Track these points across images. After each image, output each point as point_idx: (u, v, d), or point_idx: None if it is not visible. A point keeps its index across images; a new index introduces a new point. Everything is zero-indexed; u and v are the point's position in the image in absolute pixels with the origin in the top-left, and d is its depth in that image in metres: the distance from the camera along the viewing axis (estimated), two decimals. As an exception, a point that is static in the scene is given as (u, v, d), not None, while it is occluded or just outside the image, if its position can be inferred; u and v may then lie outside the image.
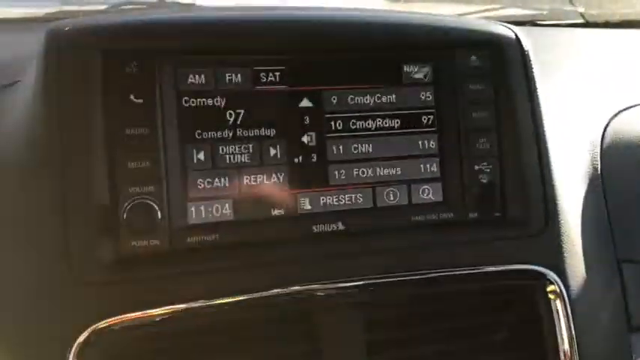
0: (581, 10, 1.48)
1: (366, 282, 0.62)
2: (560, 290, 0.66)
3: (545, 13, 1.49)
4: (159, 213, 0.58)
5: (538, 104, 0.68)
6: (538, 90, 0.69)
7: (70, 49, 0.57)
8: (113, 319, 0.56)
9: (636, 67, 1.05)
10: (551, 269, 0.67)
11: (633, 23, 1.39)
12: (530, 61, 0.69)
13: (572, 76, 0.95)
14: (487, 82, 0.67)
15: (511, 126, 0.67)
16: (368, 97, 0.65)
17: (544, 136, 0.68)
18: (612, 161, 0.80)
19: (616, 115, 0.87)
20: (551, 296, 0.66)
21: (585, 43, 1.27)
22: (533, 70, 0.69)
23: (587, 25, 1.41)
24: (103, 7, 1.48)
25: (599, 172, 0.79)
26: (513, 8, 1.61)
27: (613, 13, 1.45)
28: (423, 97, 0.67)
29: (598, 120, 0.85)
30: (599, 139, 0.83)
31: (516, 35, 0.69)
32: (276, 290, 0.59)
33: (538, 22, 1.43)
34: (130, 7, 1.50)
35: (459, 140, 0.67)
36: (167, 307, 0.57)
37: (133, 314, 0.56)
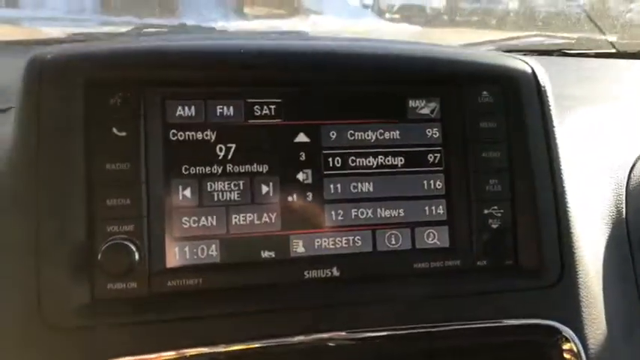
0: (612, 39, 1.42)
1: (362, 335, 0.57)
2: (578, 349, 0.60)
3: (573, 42, 1.44)
4: (136, 254, 0.54)
5: (555, 144, 0.63)
6: (556, 128, 0.64)
7: (51, 78, 0.54)
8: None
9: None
10: (567, 325, 0.61)
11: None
12: (547, 97, 0.64)
13: (601, 110, 0.90)
14: (499, 120, 0.62)
15: (525, 167, 0.62)
16: (369, 132, 0.61)
17: (561, 179, 0.62)
18: (639, 204, 0.74)
19: (645, 152, 0.80)
20: (567, 356, 0.60)
21: (616, 73, 1.22)
22: (551, 107, 0.64)
23: (618, 55, 1.35)
24: (124, 30, 1.48)
25: (623, 216, 0.73)
26: (541, 37, 1.57)
27: (646, 42, 1.40)
28: (429, 134, 0.62)
29: (625, 158, 0.79)
30: (625, 180, 0.76)
31: (532, 69, 0.64)
32: (261, 342, 0.55)
33: (566, 51, 1.38)
34: (152, 30, 1.50)
35: (467, 181, 0.62)
36: (143, 357, 0.53)
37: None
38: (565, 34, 1.54)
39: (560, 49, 1.38)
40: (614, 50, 1.38)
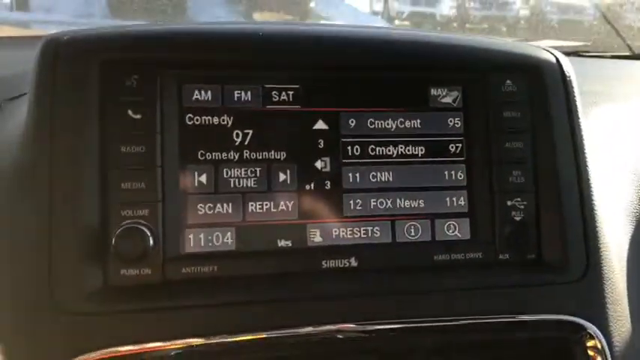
0: (628, 41, 1.41)
1: (379, 327, 0.55)
2: (602, 346, 0.58)
3: (589, 44, 1.43)
4: (151, 239, 0.52)
5: (580, 136, 0.61)
6: (580, 120, 0.62)
7: (66, 59, 0.53)
8: (96, 353, 0.51)
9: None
10: (591, 321, 0.59)
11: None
12: (572, 88, 0.62)
13: (619, 109, 0.88)
14: (523, 110, 0.61)
15: (549, 159, 0.60)
16: (390, 121, 0.60)
17: (586, 170, 0.61)
18: (662, 200, 0.72)
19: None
20: (591, 352, 0.58)
21: (632, 75, 1.21)
22: (576, 98, 0.62)
23: (633, 57, 1.34)
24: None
25: None
26: (556, 40, 1.56)
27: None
28: (451, 124, 0.61)
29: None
30: (649, 178, 0.75)
31: (557, 59, 0.63)
32: (276, 332, 0.53)
33: (582, 53, 1.37)
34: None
35: (490, 172, 0.61)
36: (156, 344, 0.52)
37: (117, 349, 0.51)
38: (576, 41, 1.54)
39: (576, 52, 1.37)
40: (629, 53, 1.37)
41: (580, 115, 0.63)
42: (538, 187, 0.61)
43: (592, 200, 0.61)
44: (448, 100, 0.61)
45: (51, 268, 0.51)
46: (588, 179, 0.61)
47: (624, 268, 0.65)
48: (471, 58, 0.61)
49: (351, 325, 0.55)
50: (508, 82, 0.61)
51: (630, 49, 1.36)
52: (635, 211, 0.71)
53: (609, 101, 0.86)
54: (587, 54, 1.36)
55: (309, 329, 0.54)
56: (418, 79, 0.61)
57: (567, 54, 1.38)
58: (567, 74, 0.62)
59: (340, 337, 0.55)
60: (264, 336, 0.53)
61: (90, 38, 0.54)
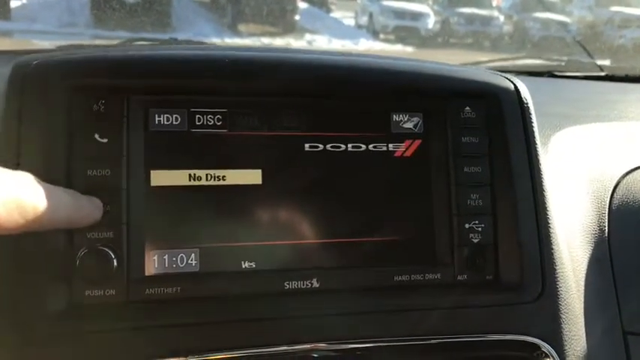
0: (600, 62, 1.45)
1: (339, 347, 0.57)
2: (557, 365, 0.60)
3: (563, 64, 1.47)
4: (115, 261, 0.53)
5: (537, 160, 0.63)
6: (539, 144, 0.64)
7: (34, 84, 0.54)
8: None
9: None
10: (546, 340, 0.61)
11: (655, 78, 1.36)
12: (530, 114, 0.64)
13: (587, 130, 0.90)
14: (482, 135, 0.63)
15: (506, 182, 0.62)
16: (353, 145, 0.61)
17: (543, 195, 0.63)
18: (621, 223, 0.74)
19: (629, 172, 0.81)
20: (546, 371, 0.60)
21: (603, 95, 1.24)
22: (534, 123, 0.64)
23: (605, 78, 1.38)
24: (115, 42, 1.50)
25: (605, 235, 0.73)
26: (532, 59, 1.60)
27: (633, 66, 1.42)
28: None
29: (609, 177, 0.80)
30: (608, 199, 0.77)
31: (515, 86, 0.64)
32: (238, 352, 0.54)
33: (556, 73, 1.40)
34: (142, 43, 1.51)
35: (449, 196, 0.62)
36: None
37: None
38: (555, 57, 1.57)
39: (550, 71, 1.40)
40: (602, 73, 1.40)
41: (538, 139, 0.65)
42: (495, 210, 0.62)
43: (549, 223, 0.63)
44: (409, 125, 0.63)
45: (14, 289, 0.52)
46: (545, 202, 0.63)
47: (581, 288, 0.67)
48: (431, 86, 0.63)
49: (322, 345, 0.57)
50: (467, 108, 0.63)
51: (602, 69, 1.40)
52: (594, 231, 0.73)
53: (573, 124, 0.88)
54: (560, 74, 1.39)
55: (273, 349, 0.56)
56: (381, 105, 0.62)
57: (542, 74, 1.42)
58: (525, 101, 0.64)
59: (312, 355, 0.56)
60: (225, 356, 0.54)
61: (58, 64, 0.55)
